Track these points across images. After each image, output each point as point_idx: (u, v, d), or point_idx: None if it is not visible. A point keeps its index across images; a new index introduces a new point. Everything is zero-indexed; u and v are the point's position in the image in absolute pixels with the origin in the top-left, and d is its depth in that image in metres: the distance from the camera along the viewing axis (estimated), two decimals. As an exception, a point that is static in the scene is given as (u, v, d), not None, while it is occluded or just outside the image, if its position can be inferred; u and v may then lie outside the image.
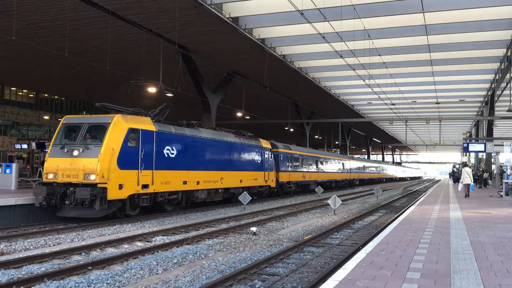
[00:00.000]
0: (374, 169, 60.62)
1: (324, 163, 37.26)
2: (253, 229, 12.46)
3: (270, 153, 24.80)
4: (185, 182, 16.75)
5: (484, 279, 5.35)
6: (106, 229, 12.91)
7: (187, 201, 17.44)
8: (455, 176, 44.98)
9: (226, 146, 20.01)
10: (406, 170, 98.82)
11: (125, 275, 7.67)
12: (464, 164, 31.10)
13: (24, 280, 6.98)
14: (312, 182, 33.66)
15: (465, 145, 33.88)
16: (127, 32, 19.60)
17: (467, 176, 21.83)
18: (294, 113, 39.73)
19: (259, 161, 23.23)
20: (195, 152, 17.55)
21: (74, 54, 20.91)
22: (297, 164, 30.32)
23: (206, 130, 19.00)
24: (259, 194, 23.81)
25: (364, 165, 54.13)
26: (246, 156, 21.90)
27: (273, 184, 25.16)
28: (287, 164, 28.28)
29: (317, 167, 35.24)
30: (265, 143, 24.64)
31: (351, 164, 46.94)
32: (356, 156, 70.11)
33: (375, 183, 59.98)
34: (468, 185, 21.67)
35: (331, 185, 39.55)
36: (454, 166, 67.88)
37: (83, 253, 9.44)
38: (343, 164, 43.64)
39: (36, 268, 8.12)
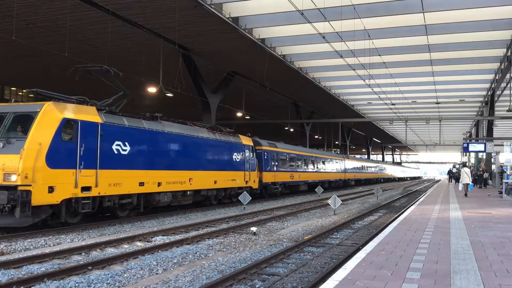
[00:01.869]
0: (372, 168, 58.95)
1: (315, 162, 35.10)
2: (253, 229, 12.46)
3: (252, 151, 22.79)
4: (141, 184, 14.59)
5: (484, 279, 5.35)
6: (106, 229, 12.92)
7: (146, 206, 15.38)
8: (455, 176, 44.97)
9: (197, 142, 17.86)
10: (405, 170, 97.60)
11: (125, 275, 7.66)
12: (463, 165, 31.12)
13: (24, 280, 6.98)
14: (302, 182, 31.78)
15: (465, 145, 33.90)
16: (127, 32, 19.60)
17: (466, 176, 22.43)
18: (294, 113, 39.72)
19: (238, 160, 21.10)
20: (155, 148, 15.38)
21: (74, 54, 20.91)
22: (284, 163, 28.15)
23: (172, 123, 16.87)
24: (238, 196, 21.31)
25: (360, 165, 52.31)
26: (223, 154, 19.87)
27: (255, 185, 23.04)
28: (272, 163, 26.14)
29: (307, 166, 33.02)
30: (246, 140, 22.61)
31: (346, 163, 45.11)
32: (357, 156, 70.29)
33: (372, 183, 58.90)
34: (467, 184, 22.30)
35: (324, 185, 36.91)
36: (454, 166, 67.85)
37: (83, 253, 9.44)
38: (337, 163, 41.88)
39: (36, 268, 8.12)
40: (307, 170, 32.80)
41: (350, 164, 46.63)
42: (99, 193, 12.94)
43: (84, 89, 31.63)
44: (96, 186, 12.77)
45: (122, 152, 13.86)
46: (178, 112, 38.57)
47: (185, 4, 16.49)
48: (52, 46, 20.73)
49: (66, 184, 11.89)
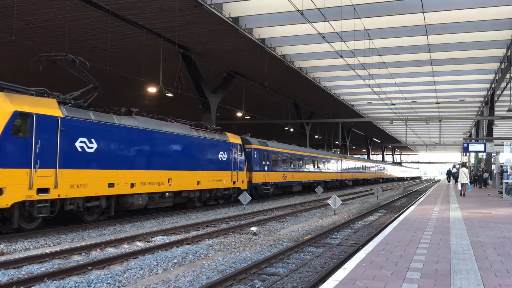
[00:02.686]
0: (370, 168, 57.83)
1: (310, 162, 33.84)
2: (253, 229, 12.46)
3: (240, 149, 21.55)
4: (111, 185, 13.36)
5: (484, 279, 5.35)
6: (106, 229, 12.92)
7: (118, 209, 14.24)
8: (454, 176, 44.98)
9: (178, 140, 16.71)
10: (404, 170, 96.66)
11: (125, 275, 7.66)
12: (462, 165, 31.10)
13: (24, 280, 6.98)
14: (295, 183, 30.46)
15: (465, 145, 33.88)
16: (127, 32, 19.60)
17: (464, 176, 22.72)
18: (294, 113, 39.72)
19: (224, 159, 19.91)
20: (128, 146, 14.17)
21: (74, 54, 20.87)
22: (276, 162, 26.88)
23: (148, 119, 15.63)
24: (225, 198, 20.71)
25: (358, 165, 51.01)
26: (207, 152, 18.65)
27: (243, 186, 21.73)
28: (263, 162, 24.90)
29: (301, 166, 31.79)
30: (234, 138, 21.40)
31: (343, 163, 43.97)
32: (357, 156, 70.09)
33: (370, 183, 58.11)
34: (465, 184, 22.52)
35: (320, 185, 36.66)
36: (454, 166, 67.86)
37: (83, 253, 9.44)
38: (333, 163, 40.69)
39: (36, 268, 8.12)
40: (301, 170, 31.62)
41: (347, 164, 45.57)
42: (59, 196, 11.64)
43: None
44: (56, 187, 11.53)
45: (88, 150, 12.64)
46: (178, 112, 38.61)
47: (185, 4, 16.49)
48: (52, 46, 20.72)
49: (18, 185, 10.67)
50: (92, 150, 12.83)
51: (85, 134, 12.60)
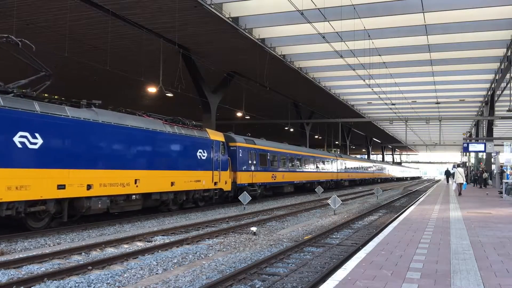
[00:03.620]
0: (367, 168, 56.25)
1: (302, 161, 31.96)
2: (253, 229, 12.46)
3: (222, 147, 20.07)
4: (62, 186, 11.74)
5: (484, 279, 5.35)
6: (106, 229, 12.92)
7: (71, 214, 12.67)
8: (453, 176, 44.89)
9: (147, 136, 15.13)
10: (404, 169, 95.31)
11: (125, 275, 7.67)
12: (457, 165, 31.09)
13: (24, 280, 6.98)
14: (286, 183, 28.80)
15: (465, 145, 33.89)
16: (127, 32, 19.60)
17: (459, 176, 23.44)
18: (294, 113, 39.72)
19: (204, 158, 18.39)
20: (84, 142, 12.60)
21: (74, 54, 20.91)
22: (264, 162, 25.13)
23: (110, 112, 13.97)
24: (205, 200, 19.22)
25: (354, 164, 49.26)
26: (183, 150, 17.14)
27: (227, 187, 20.26)
28: (250, 161, 23.18)
29: (293, 165, 30.06)
30: (215, 135, 19.83)
31: (339, 162, 42.26)
32: (357, 156, 70.00)
33: (368, 184, 56.89)
34: (460, 184, 23.21)
35: (313, 186, 34.24)
36: (454, 166, 67.81)
37: (83, 253, 9.44)
38: (328, 162, 38.99)
39: (36, 268, 8.12)
40: (292, 170, 29.93)
41: (343, 163, 44.04)
42: None
43: (86, 89, 31.79)
44: None
45: (31, 146, 11.07)
46: (178, 112, 38.61)
47: (185, 4, 16.49)
48: (52, 46, 20.72)
49: None
50: (36, 147, 11.20)
51: (26, 127, 10.98)
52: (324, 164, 37.73)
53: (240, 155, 22.30)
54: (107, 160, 13.42)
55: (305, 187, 33.40)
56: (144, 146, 15.05)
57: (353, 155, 57.32)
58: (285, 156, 28.83)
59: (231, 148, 21.78)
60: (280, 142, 29.66)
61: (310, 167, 33.96)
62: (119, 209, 14.36)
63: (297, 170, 30.86)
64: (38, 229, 11.77)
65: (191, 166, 17.61)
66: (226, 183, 20.22)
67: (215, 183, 19.28)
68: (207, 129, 19.56)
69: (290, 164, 29.59)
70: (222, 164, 19.95)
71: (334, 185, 40.82)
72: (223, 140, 20.38)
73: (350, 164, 47.35)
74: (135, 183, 14.43)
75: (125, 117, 14.50)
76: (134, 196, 14.58)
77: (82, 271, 7.83)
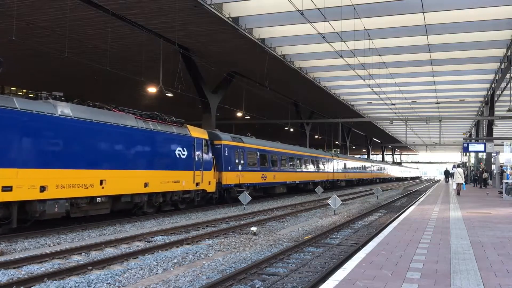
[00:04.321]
0: (365, 168, 54.52)
1: (295, 160, 30.44)
2: (253, 229, 12.46)
3: (206, 146, 18.69)
4: (8, 188, 10.55)
5: (484, 279, 5.35)
6: (106, 229, 12.92)
7: (23, 219, 11.47)
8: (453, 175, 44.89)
9: (115, 132, 13.74)
10: (403, 170, 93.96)
11: (125, 275, 7.67)
12: (457, 165, 31.06)
13: (24, 280, 6.98)
14: (278, 184, 27.30)
15: (465, 145, 33.90)
16: (127, 32, 19.60)
17: (459, 176, 23.78)
18: (294, 113, 39.73)
19: (184, 156, 17.05)
20: (37, 138, 11.39)
21: (74, 54, 20.92)
22: (253, 161, 23.68)
23: (69, 105, 12.60)
24: (186, 202, 18.01)
25: (352, 164, 47.59)
26: (159, 148, 15.75)
27: (210, 188, 18.91)
28: (237, 161, 21.75)
29: (285, 165, 28.57)
30: (197, 132, 18.44)
31: (335, 162, 40.72)
32: (356, 156, 69.98)
33: (366, 184, 55.62)
34: (460, 184, 23.67)
35: (307, 187, 33.39)
36: (454, 166, 67.77)
37: (83, 253, 9.44)
38: (323, 162, 37.26)
39: (36, 268, 8.12)
40: (284, 170, 28.38)
41: (339, 163, 42.45)
42: None
43: (86, 89, 31.81)
44: None
45: None
46: (178, 112, 38.63)
47: (185, 4, 16.49)
48: (52, 46, 20.73)
49: None
50: None
51: None
52: (319, 163, 36.17)
53: (226, 153, 20.90)
54: (65, 158, 12.03)
55: (298, 188, 32.31)
56: (112, 143, 13.63)
57: (351, 155, 55.68)
58: (277, 155, 27.35)
59: (216, 146, 20.45)
60: (272, 141, 28.50)
61: (304, 167, 32.41)
62: (82, 213, 12.98)
63: (290, 170, 29.47)
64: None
65: (169, 165, 16.23)
66: (209, 183, 18.85)
67: (197, 184, 17.91)
68: (188, 126, 18.10)
69: (282, 164, 28.09)
70: (205, 163, 18.55)
71: (330, 185, 39.28)
72: (207, 137, 18.99)
73: (347, 163, 45.84)
74: (101, 184, 13.08)
75: (89, 111, 13.11)
76: (99, 198, 13.16)
77: (82, 271, 7.83)
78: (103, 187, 13.17)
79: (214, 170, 19.34)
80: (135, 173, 14.51)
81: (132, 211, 15.41)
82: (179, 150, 16.87)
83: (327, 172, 38.00)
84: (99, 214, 13.95)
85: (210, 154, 19.06)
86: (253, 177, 23.54)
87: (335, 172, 40.68)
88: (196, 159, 17.89)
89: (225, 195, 21.08)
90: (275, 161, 26.97)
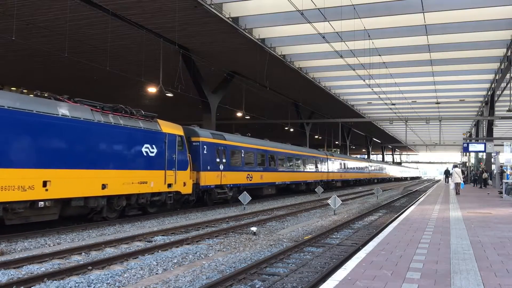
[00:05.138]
0: (363, 168, 52.76)
1: (286, 160, 28.60)
2: (253, 229, 12.46)
3: (180, 143, 16.90)
4: None
5: (484, 279, 5.35)
6: (106, 229, 12.92)
7: None
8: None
9: (63, 126, 12.01)
10: (402, 169, 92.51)
11: (125, 275, 7.67)
12: (455, 166, 31.02)
13: (24, 280, 6.98)
14: (266, 184, 25.34)
15: (465, 145, 33.91)
16: (127, 32, 19.61)
17: (457, 176, 24.11)
18: (294, 113, 39.74)
19: (153, 154, 15.26)
20: None
21: (74, 54, 20.93)
22: (237, 160, 21.94)
23: (5, 93, 10.98)
24: (157, 205, 16.23)
25: (347, 164, 45.46)
26: (120, 145, 13.88)
27: (186, 190, 17.13)
28: (218, 160, 19.99)
29: (274, 165, 26.76)
30: (170, 128, 16.55)
31: (330, 161, 38.89)
32: (357, 156, 69.90)
33: (363, 184, 53.98)
34: (458, 184, 23.99)
35: (299, 187, 31.45)
36: (454, 166, 67.64)
37: (83, 253, 9.44)
38: (317, 161, 35.42)
39: (36, 268, 8.12)
40: (273, 170, 26.57)
41: (335, 162, 40.62)
42: None
43: (86, 89, 31.80)
44: None
45: None
46: (178, 112, 38.67)
47: (185, 4, 16.50)
48: (52, 46, 20.74)
49: None
50: None
51: None
52: (312, 163, 34.15)
53: (205, 152, 19.03)
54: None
55: (290, 189, 30.67)
56: (58, 138, 11.90)
57: (347, 154, 54.01)
58: (264, 154, 25.48)
59: (194, 143, 18.69)
60: (260, 139, 26.77)
61: (296, 167, 30.51)
62: (21, 220, 11.15)
63: (279, 169, 27.57)
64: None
65: (133, 164, 14.37)
66: (184, 184, 17.03)
67: (169, 185, 16.07)
68: (160, 121, 16.24)
69: (270, 163, 26.23)
70: (180, 162, 16.74)
71: (324, 186, 36.74)
72: (182, 133, 17.13)
73: (343, 163, 43.92)
74: (44, 186, 11.31)
75: (28, 101, 11.32)
76: (42, 202, 11.32)
77: (82, 271, 7.83)
78: (47, 189, 11.37)
79: (190, 170, 17.51)
80: (89, 173, 12.68)
81: (88, 216, 13.63)
82: (147, 148, 15.03)
83: (321, 172, 36.23)
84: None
85: (186, 152, 17.27)
86: (237, 177, 21.78)
87: (330, 172, 38.84)
88: (169, 157, 16.10)
89: (205, 197, 19.42)
90: (263, 160, 25.25)
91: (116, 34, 19.68)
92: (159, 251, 9.74)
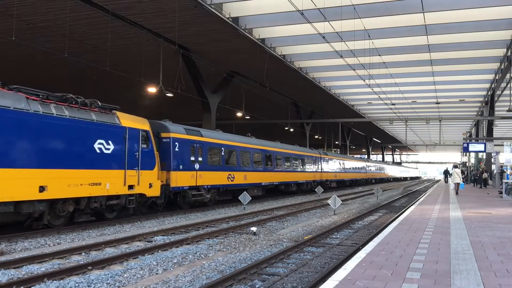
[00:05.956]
0: (359, 168, 50.80)
1: (274, 158, 26.63)
2: (253, 229, 12.46)
3: (145, 138, 14.99)
4: None
5: (484, 279, 5.35)
6: (106, 229, 12.92)
7: None
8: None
9: None
10: (402, 169, 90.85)
11: (125, 275, 7.67)
12: (455, 166, 31.02)
13: (24, 280, 6.98)
14: (251, 185, 23.29)
15: (465, 145, 33.91)
16: (127, 32, 19.61)
17: (456, 176, 24.44)
18: (294, 113, 39.74)
19: (109, 152, 13.35)
20: None
21: (74, 54, 20.92)
22: (216, 159, 20.09)
23: None
24: (116, 210, 14.38)
25: (343, 163, 43.37)
26: (64, 140, 11.97)
27: (153, 192, 15.29)
28: (193, 158, 18.11)
29: (261, 164, 24.88)
30: (131, 121, 14.53)
31: (323, 161, 36.83)
32: (356, 155, 69.84)
33: (360, 185, 52.57)
34: (458, 184, 24.27)
35: (289, 188, 29.66)
36: (455, 166, 67.69)
37: (83, 253, 9.44)
38: (309, 160, 33.37)
39: (36, 268, 8.12)
40: (259, 169, 24.62)
41: (329, 162, 38.53)
42: None
43: (86, 89, 31.78)
44: None
45: None
46: (178, 112, 38.67)
47: (185, 4, 16.50)
48: (52, 46, 20.73)
49: None
50: None
51: None
52: (303, 162, 31.98)
53: (177, 149, 17.19)
54: None
55: (278, 190, 28.96)
56: None
57: (340, 154, 51.26)
58: (249, 152, 23.44)
59: (164, 140, 16.92)
60: (245, 136, 24.89)
61: (285, 166, 28.42)
62: None
63: (266, 169, 25.56)
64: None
65: (83, 163, 12.49)
66: (151, 186, 15.15)
67: (130, 187, 14.24)
68: (119, 113, 14.26)
69: (256, 162, 24.30)
70: (144, 160, 14.86)
71: (316, 186, 33.97)
72: (147, 128, 15.22)
73: (338, 163, 41.83)
74: None
75: None
76: None
77: (82, 271, 7.83)
78: None
79: (158, 169, 15.66)
80: (21, 173, 10.77)
81: (24, 224, 11.80)
82: (101, 143, 13.12)
83: (313, 172, 34.12)
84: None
85: (153, 149, 15.38)
86: (216, 177, 19.92)
87: (324, 172, 36.67)
88: (130, 155, 14.17)
89: (178, 200, 17.75)
90: (247, 159, 23.23)
91: (116, 34, 19.68)
92: (159, 251, 9.74)
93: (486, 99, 34.64)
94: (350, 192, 35.32)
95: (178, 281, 7.36)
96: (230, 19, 18.11)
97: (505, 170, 23.96)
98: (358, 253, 6.94)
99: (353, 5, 16.97)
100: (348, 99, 38.10)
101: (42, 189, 11.27)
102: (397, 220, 11.73)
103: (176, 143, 17.22)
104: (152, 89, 24.25)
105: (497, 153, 33.38)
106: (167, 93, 21.85)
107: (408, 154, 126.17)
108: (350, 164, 46.56)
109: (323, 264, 8.74)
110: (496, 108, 33.84)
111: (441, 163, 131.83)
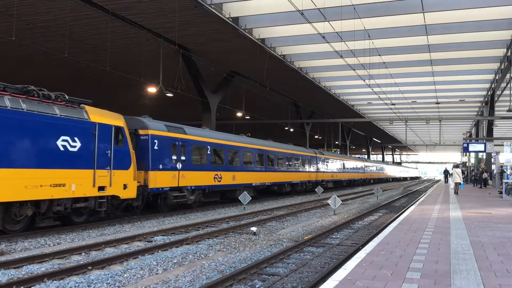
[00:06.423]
0: (357, 168, 49.65)
1: (265, 158, 25.41)
2: (253, 229, 12.46)
3: (118, 135, 13.84)
4: None
5: (484, 279, 5.35)
6: (106, 229, 12.92)
7: None
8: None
9: None
10: (401, 169, 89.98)
11: (125, 275, 7.67)
12: (455, 166, 31.05)
13: (24, 280, 6.98)
14: (240, 186, 22.06)
15: (465, 145, 33.91)
16: (127, 32, 19.61)
17: (457, 176, 24.62)
18: (294, 113, 39.75)
19: (75, 149, 12.20)
20: None
21: (74, 54, 20.93)
22: (202, 158, 18.91)
23: None
24: (86, 213, 13.22)
25: (340, 163, 42.19)
26: (20, 136, 10.84)
27: (128, 193, 14.15)
28: (174, 157, 16.90)
29: (251, 163, 23.69)
30: (102, 117, 13.35)
31: (319, 160, 35.54)
32: (356, 156, 69.81)
33: (358, 185, 51.79)
34: (458, 183, 24.54)
35: (282, 189, 28.45)
36: (455, 166, 67.67)
37: (83, 253, 9.44)
38: (304, 160, 32.04)
39: (36, 268, 8.12)
40: (250, 169, 23.45)
41: (325, 161, 37.31)
42: None
43: (86, 89, 31.80)
44: None
45: None
46: (178, 112, 38.68)
47: (185, 4, 16.50)
48: (52, 46, 20.74)
49: None
50: None
51: None
52: (298, 162, 30.79)
53: (156, 147, 15.96)
54: None
55: (271, 190, 27.86)
56: None
57: (337, 153, 49.01)
58: (238, 151, 22.23)
59: (142, 137, 15.69)
60: (237, 135, 23.94)
61: (277, 166, 27.27)
62: None
63: (257, 169, 24.36)
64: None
65: (43, 162, 11.33)
66: (125, 187, 14.00)
67: (101, 188, 13.10)
68: (88, 107, 13.03)
69: (246, 162, 23.11)
70: (118, 159, 13.70)
71: (311, 187, 33.43)
72: (121, 124, 13.97)
73: (335, 162, 40.63)
74: None
75: None
76: None
77: (82, 271, 7.83)
78: None
79: (134, 169, 14.52)
80: None
81: None
82: (65, 141, 11.95)
83: (308, 172, 32.88)
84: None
85: (128, 147, 14.19)
86: (201, 177, 18.69)
87: (319, 172, 35.41)
88: (100, 153, 13.05)
89: (159, 202, 16.65)
90: (236, 158, 22.05)
91: (116, 34, 19.69)
92: (159, 251, 9.74)
93: (486, 99, 34.65)
94: (350, 192, 35.31)
95: (178, 281, 7.36)
96: (230, 19, 18.12)
97: (505, 170, 23.96)
98: (358, 253, 6.94)
99: (353, 5, 16.97)
100: (348, 99, 38.11)
101: None
102: (397, 220, 11.73)
103: (156, 141, 15.97)
104: (152, 89, 24.26)
105: (497, 153, 33.39)
106: (167, 93, 21.85)
107: (408, 154, 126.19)
108: (348, 164, 45.47)
109: (323, 264, 8.75)
110: (496, 108, 33.85)
111: (441, 163, 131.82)
